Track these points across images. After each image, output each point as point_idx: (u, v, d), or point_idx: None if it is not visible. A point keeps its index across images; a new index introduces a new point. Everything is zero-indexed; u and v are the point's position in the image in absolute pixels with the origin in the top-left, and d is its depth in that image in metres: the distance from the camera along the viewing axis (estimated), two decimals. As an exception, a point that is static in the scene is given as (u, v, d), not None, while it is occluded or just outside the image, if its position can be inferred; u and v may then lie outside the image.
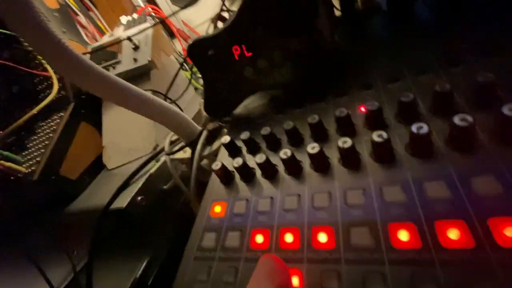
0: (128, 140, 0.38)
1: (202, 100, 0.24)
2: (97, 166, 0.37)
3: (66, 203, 0.34)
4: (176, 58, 0.51)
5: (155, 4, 0.47)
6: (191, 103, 0.46)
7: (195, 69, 0.43)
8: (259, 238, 0.14)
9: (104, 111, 0.40)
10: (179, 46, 0.58)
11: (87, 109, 0.38)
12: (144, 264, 0.25)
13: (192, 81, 0.44)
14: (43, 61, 0.37)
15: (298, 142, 0.18)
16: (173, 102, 0.35)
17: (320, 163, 0.15)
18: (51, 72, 0.37)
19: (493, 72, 0.13)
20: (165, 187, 0.30)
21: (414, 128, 0.12)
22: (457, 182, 0.11)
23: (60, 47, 0.18)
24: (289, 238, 0.14)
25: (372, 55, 0.21)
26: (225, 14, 0.37)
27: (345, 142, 0.14)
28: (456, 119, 0.12)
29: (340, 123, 0.16)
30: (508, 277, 0.09)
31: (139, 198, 0.26)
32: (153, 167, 0.29)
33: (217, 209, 0.17)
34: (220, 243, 0.15)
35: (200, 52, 0.20)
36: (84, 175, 0.35)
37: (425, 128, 0.12)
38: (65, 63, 0.18)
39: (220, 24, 0.29)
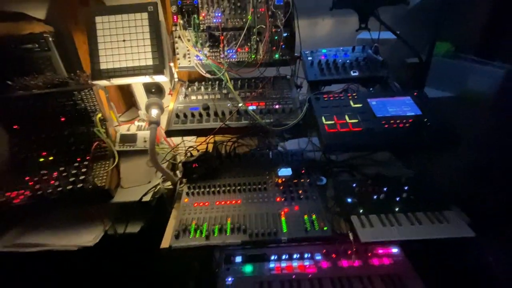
0: (133, 177, 0.91)
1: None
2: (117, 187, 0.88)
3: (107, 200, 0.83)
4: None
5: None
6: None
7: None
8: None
9: (121, 161, 0.91)
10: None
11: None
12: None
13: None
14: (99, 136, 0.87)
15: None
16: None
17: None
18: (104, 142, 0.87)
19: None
20: (157, 196, 0.87)
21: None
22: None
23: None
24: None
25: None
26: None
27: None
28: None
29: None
30: None
31: (151, 198, 0.83)
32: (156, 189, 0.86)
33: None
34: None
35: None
36: (114, 188, 0.86)
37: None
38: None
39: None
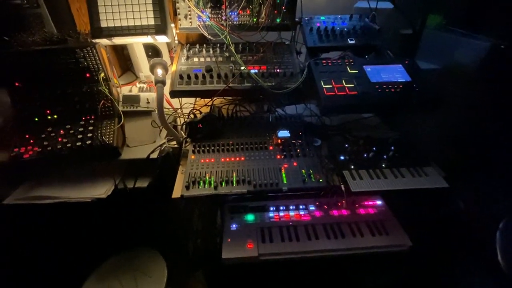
0: (137, 136, 0.94)
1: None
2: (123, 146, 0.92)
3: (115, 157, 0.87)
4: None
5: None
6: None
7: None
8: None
9: (126, 122, 0.94)
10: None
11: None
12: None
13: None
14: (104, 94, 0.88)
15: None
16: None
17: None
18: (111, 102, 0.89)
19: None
20: (163, 154, 0.91)
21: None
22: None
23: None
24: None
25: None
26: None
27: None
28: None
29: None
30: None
31: (158, 156, 0.88)
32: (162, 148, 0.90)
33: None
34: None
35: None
36: (121, 147, 0.89)
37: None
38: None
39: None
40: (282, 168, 0.80)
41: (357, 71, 0.91)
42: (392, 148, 0.88)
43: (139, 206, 0.93)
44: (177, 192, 0.76)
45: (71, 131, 0.84)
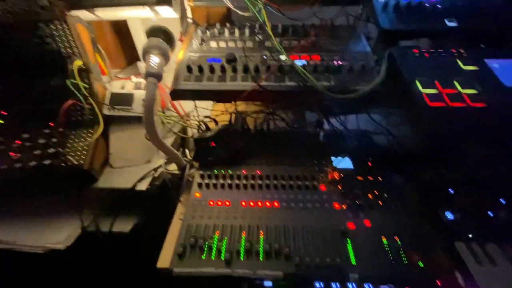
0: (126, 153, 0.66)
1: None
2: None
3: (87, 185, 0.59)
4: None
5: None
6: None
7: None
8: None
9: (111, 131, 0.66)
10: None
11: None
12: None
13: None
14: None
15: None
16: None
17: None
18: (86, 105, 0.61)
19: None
20: (157, 183, 0.62)
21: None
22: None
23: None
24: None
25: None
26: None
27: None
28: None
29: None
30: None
31: (149, 186, 0.58)
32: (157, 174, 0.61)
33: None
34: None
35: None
36: (100, 168, 0.62)
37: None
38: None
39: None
40: (347, 231, 0.46)
41: (476, 68, 0.54)
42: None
43: (116, 261, 0.64)
44: (165, 259, 0.46)
45: (28, 143, 0.58)
